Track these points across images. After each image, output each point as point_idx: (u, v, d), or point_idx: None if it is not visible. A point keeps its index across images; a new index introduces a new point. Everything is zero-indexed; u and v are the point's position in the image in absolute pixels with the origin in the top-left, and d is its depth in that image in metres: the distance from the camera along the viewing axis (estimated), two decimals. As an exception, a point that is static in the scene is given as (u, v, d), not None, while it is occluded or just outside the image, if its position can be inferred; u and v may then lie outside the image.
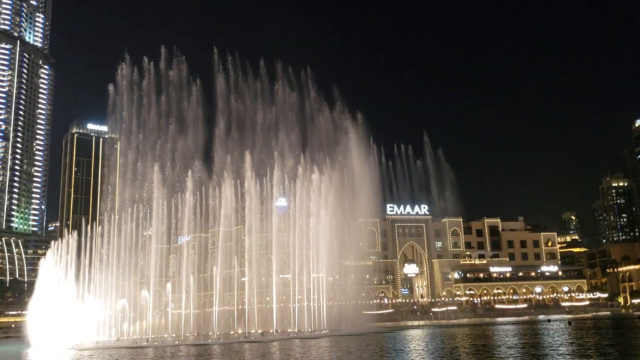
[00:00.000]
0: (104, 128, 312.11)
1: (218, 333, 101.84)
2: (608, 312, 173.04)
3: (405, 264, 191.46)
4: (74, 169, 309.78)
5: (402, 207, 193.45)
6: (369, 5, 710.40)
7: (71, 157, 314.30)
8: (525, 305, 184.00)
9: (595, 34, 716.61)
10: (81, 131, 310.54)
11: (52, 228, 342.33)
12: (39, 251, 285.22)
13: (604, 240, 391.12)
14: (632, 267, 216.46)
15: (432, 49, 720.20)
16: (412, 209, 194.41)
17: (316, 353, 60.99)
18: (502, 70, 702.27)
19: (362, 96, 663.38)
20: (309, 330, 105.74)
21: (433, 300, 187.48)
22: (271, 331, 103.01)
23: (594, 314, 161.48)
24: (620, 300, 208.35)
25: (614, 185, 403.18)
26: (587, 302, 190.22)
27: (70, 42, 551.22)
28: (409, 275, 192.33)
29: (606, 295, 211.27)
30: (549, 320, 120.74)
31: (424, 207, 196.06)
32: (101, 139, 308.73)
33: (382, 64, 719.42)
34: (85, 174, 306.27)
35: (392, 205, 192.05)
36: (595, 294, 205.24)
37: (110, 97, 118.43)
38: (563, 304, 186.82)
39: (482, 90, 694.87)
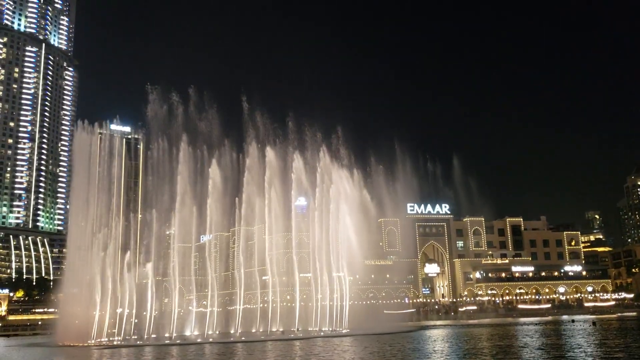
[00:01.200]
0: (127, 129, 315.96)
1: (240, 331, 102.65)
2: (634, 313, 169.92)
3: (426, 264, 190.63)
4: (97, 169, 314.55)
5: (422, 206, 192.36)
6: (398, 23, 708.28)
7: (95, 158, 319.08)
8: (549, 306, 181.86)
9: (619, 33, 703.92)
10: (104, 132, 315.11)
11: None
12: (64, 250, 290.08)
13: (629, 240, 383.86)
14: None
15: (455, 53, 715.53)
16: (433, 208, 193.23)
17: (337, 352, 61.11)
18: (525, 67, 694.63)
19: (386, 97, 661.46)
20: (330, 329, 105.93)
21: (454, 300, 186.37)
22: (292, 329, 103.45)
23: (619, 314, 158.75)
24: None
25: (639, 183, 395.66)
26: (613, 303, 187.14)
27: (93, 44, 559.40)
28: (429, 274, 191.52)
29: (632, 295, 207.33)
30: (573, 321, 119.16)
31: (445, 206, 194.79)
32: (124, 139, 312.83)
33: (401, 63, 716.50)
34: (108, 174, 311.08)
35: (412, 204, 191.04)
36: (620, 294, 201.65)
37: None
38: (587, 304, 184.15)
39: (504, 87, 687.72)
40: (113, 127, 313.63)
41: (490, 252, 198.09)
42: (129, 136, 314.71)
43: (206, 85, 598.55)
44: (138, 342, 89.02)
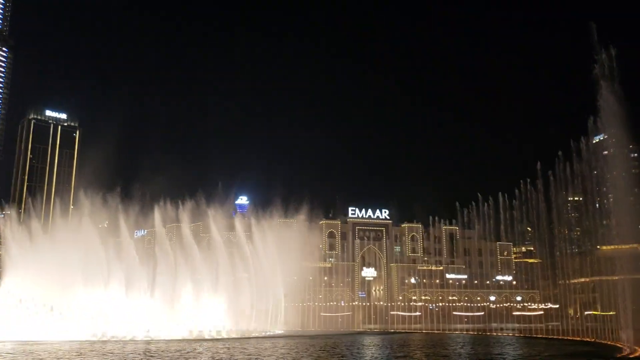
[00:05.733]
0: (63, 115, 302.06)
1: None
2: (558, 323, 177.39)
3: (364, 267, 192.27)
4: (29, 155, 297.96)
5: (363, 210, 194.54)
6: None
7: (27, 143, 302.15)
8: (482, 313, 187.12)
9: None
10: (39, 117, 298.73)
11: (3, 215, 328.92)
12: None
13: (558, 253, 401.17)
14: (582, 279, 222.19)
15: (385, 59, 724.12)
16: (374, 212, 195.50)
17: (258, 352, 59.66)
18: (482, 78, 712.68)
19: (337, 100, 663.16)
20: (265, 330, 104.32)
21: (390, 304, 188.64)
22: (225, 331, 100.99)
23: (546, 324, 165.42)
24: (571, 312, 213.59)
25: (569, 199, 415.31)
26: (541, 312, 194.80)
27: (32, 26, 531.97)
28: (366, 278, 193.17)
29: (557, 306, 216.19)
30: (502, 329, 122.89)
31: (385, 212, 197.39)
32: (59, 126, 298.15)
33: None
34: (40, 162, 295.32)
35: (353, 208, 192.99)
36: (547, 304, 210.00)
37: None
38: (515, 313, 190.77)
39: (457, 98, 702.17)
40: (48, 113, 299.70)
41: (425, 258, 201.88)
42: (65, 124, 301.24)
43: (160, 73, 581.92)
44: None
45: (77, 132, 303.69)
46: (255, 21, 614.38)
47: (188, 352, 61.03)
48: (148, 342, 78.50)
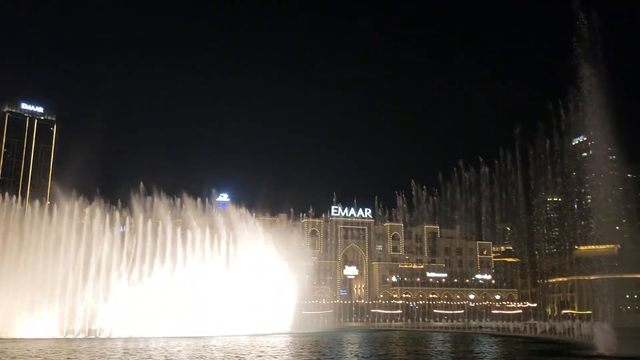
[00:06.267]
0: (40, 109, 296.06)
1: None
2: (535, 322, 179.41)
3: (346, 266, 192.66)
4: (3, 149, 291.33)
5: (346, 209, 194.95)
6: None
7: (1, 137, 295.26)
8: (461, 311, 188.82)
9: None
10: (14, 110, 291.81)
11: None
12: None
13: (537, 252, 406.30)
14: (560, 278, 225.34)
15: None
16: (356, 211, 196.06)
17: (237, 350, 59.20)
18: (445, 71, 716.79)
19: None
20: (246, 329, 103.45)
21: (371, 302, 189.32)
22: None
23: (525, 322, 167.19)
24: (549, 310, 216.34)
25: (548, 200, 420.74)
26: (519, 311, 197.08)
27: (7, 18, 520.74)
28: (348, 276, 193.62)
29: (535, 305, 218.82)
30: (481, 327, 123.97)
31: (368, 211, 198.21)
32: (36, 120, 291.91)
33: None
34: (16, 156, 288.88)
35: (336, 207, 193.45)
36: (525, 303, 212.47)
37: None
38: (494, 311, 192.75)
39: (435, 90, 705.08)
40: (24, 106, 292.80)
41: (407, 257, 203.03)
42: (41, 117, 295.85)
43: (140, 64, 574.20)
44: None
45: (54, 127, 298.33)
46: (244, 15, 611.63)
47: (167, 350, 60.26)
48: (127, 340, 77.48)
